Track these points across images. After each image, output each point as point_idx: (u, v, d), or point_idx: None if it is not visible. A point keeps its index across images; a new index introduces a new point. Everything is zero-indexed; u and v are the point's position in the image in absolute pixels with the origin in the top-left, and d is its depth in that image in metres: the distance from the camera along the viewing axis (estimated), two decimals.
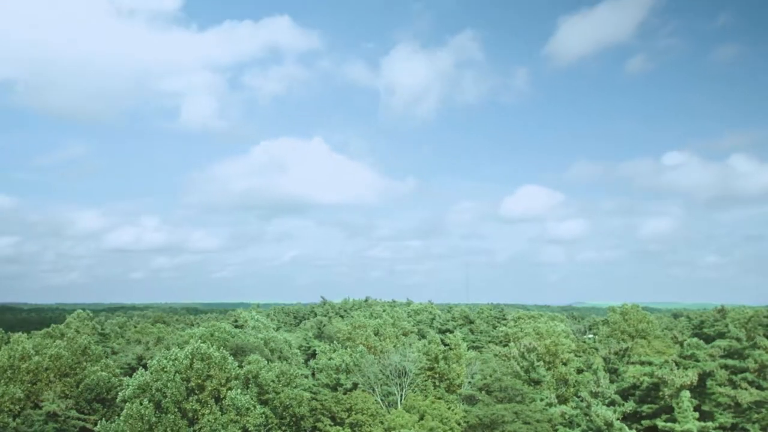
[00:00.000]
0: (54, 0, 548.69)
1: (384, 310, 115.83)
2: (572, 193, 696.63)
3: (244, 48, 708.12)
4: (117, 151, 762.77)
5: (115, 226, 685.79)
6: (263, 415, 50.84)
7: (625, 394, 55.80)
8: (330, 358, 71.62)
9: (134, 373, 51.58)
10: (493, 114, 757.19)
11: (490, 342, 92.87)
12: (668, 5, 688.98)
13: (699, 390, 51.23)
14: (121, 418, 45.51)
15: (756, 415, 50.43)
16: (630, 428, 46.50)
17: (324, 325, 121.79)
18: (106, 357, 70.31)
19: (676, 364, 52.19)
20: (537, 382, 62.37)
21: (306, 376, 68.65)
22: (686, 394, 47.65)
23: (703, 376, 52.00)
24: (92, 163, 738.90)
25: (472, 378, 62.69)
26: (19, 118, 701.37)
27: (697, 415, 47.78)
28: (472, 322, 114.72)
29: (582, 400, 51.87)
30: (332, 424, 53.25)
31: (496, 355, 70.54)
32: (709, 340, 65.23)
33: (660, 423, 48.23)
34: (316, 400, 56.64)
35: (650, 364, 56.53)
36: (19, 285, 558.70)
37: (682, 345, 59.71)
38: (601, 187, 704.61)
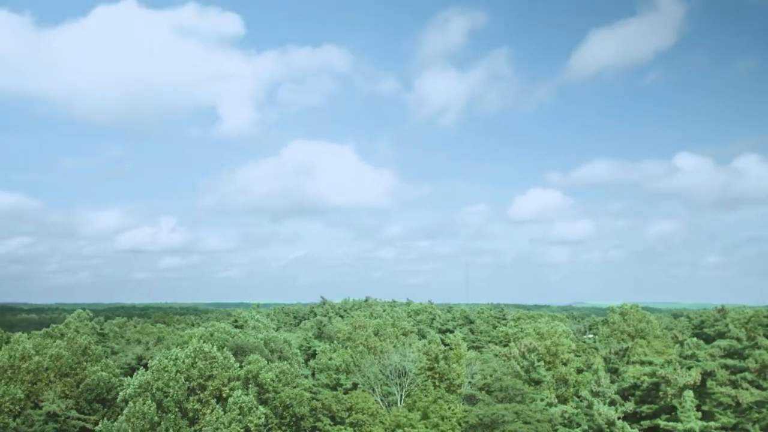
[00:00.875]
0: (120, 21, 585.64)
1: (384, 310, 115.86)
2: (581, 195, 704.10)
3: (293, 68, 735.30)
4: (150, 157, 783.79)
5: (130, 227, 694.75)
6: (264, 415, 50.85)
7: (625, 394, 55.79)
8: (330, 358, 71.64)
9: (135, 373, 51.55)
10: (509, 120, 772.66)
11: (490, 342, 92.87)
12: (690, 20, 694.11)
13: (700, 390, 51.24)
14: (123, 417, 45.49)
15: (756, 415, 50.46)
16: (631, 428, 46.50)
17: (324, 325, 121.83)
18: (106, 357, 70.24)
19: (678, 363, 52.21)
20: (537, 382, 62.35)
21: (306, 376, 68.63)
22: (689, 393, 47.68)
23: (704, 376, 52.02)
24: (122, 167, 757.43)
25: (473, 378, 62.68)
26: (64, 126, 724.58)
27: (700, 414, 47.81)
28: (472, 322, 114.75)
29: (583, 400, 51.85)
30: (332, 423, 53.24)
31: (496, 355, 70.53)
32: (709, 340, 65.23)
33: (662, 423, 48.24)
34: (316, 399, 56.62)
35: (651, 364, 56.55)
36: (24, 285, 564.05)
37: (682, 345, 59.69)
38: (610, 189, 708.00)
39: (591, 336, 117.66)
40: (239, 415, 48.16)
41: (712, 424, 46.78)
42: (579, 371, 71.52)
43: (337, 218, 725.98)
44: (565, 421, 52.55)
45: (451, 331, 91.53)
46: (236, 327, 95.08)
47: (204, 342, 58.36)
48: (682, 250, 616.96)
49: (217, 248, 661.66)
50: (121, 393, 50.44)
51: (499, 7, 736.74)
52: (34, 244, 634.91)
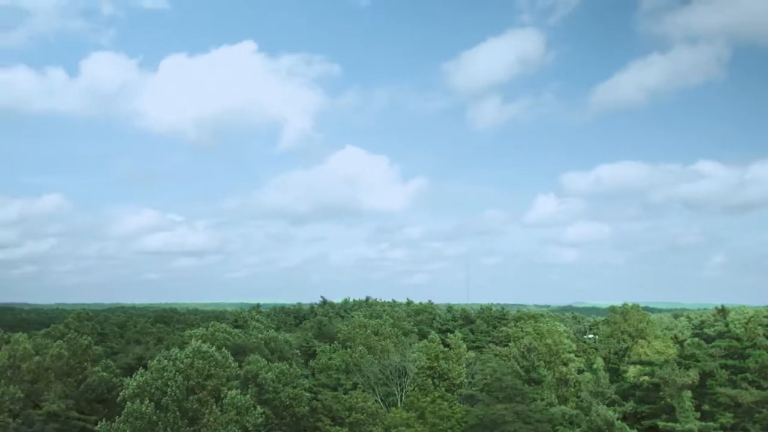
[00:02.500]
0: (237, 60, 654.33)
1: (384, 310, 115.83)
2: (590, 199, 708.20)
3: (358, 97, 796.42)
4: (203, 165, 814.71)
5: (156, 229, 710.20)
6: (263, 415, 50.84)
7: (625, 394, 55.81)
8: (330, 358, 71.61)
9: (135, 373, 51.54)
10: (541, 129, 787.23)
11: (490, 342, 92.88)
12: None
13: (699, 390, 51.24)
14: (122, 416, 45.51)
15: (757, 415, 50.44)
16: (630, 428, 46.48)
17: (324, 325, 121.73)
18: (107, 357, 70.23)
19: (677, 363, 52.21)
20: (537, 382, 62.36)
21: (306, 376, 68.60)
22: (687, 394, 47.69)
23: (704, 376, 52.01)
24: (173, 174, 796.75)
25: (473, 378, 62.70)
26: (149, 138, 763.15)
27: (698, 415, 47.81)
28: (472, 322, 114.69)
29: (582, 400, 51.86)
30: (332, 423, 53.29)
31: (496, 355, 70.56)
32: (709, 340, 65.25)
33: (661, 423, 48.23)
34: (317, 399, 56.68)
35: (650, 364, 56.56)
36: (32, 285, 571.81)
37: (682, 345, 59.72)
38: (621, 194, 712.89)
39: (591, 336, 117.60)
40: (237, 415, 48.15)
41: (711, 424, 46.79)
42: (579, 371, 71.60)
43: (359, 221, 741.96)
44: (565, 422, 52.56)
45: (452, 331, 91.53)
46: (236, 327, 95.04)
47: (204, 342, 58.37)
48: (683, 251, 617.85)
49: (225, 250, 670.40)
50: (121, 393, 50.46)
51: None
52: (58, 245, 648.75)
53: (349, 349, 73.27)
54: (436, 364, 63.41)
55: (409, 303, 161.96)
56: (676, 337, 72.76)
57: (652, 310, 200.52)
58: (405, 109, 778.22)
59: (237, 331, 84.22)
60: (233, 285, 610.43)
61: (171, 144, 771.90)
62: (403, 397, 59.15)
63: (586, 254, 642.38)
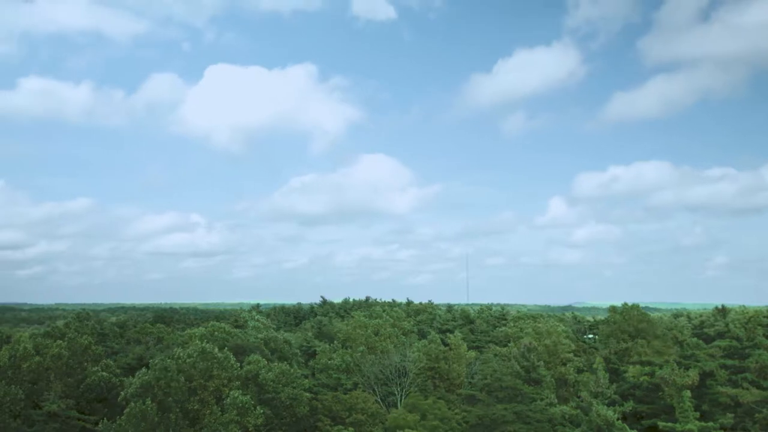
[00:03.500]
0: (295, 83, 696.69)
1: (384, 310, 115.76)
2: (602, 201, 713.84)
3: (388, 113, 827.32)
4: (232, 170, 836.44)
5: (173, 231, 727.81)
6: (263, 415, 50.87)
7: (625, 394, 55.84)
8: (330, 358, 71.63)
9: (136, 373, 51.57)
10: (559, 136, 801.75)
11: (490, 342, 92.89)
12: None
13: (699, 390, 51.28)
14: (124, 416, 45.53)
15: (757, 415, 50.48)
16: (630, 428, 46.53)
17: (324, 325, 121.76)
18: (107, 357, 70.25)
19: (677, 363, 52.25)
20: (537, 382, 62.33)
21: (306, 376, 68.62)
22: (687, 394, 47.71)
23: (704, 376, 52.06)
24: (201, 178, 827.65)
25: (473, 378, 62.72)
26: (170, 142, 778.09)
27: (698, 414, 47.84)
28: (472, 322, 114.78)
29: (582, 400, 51.89)
30: (332, 423, 53.31)
31: (496, 355, 70.51)
32: (709, 340, 65.33)
33: (660, 423, 48.27)
34: (317, 400, 56.68)
35: (650, 364, 56.63)
36: (36, 285, 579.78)
37: (682, 345, 59.77)
38: (630, 197, 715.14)
39: (591, 336, 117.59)
40: (237, 415, 48.18)
41: (711, 424, 46.81)
42: (579, 371, 71.54)
43: (372, 223, 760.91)
44: (565, 422, 52.59)
45: (452, 331, 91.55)
46: (236, 327, 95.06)
47: (204, 342, 58.39)
48: (685, 252, 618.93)
49: (240, 251, 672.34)
50: (122, 393, 50.49)
51: None
52: (71, 246, 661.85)
53: (349, 349, 73.30)
54: (436, 365, 63.42)
55: (409, 303, 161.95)
56: (675, 337, 72.79)
57: (652, 310, 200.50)
58: (432, 119, 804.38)
59: (237, 330, 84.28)
60: (237, 285, 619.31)
61: (204, 150, 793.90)
62: (404, 397, 59.16)
63: (587, 255, 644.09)
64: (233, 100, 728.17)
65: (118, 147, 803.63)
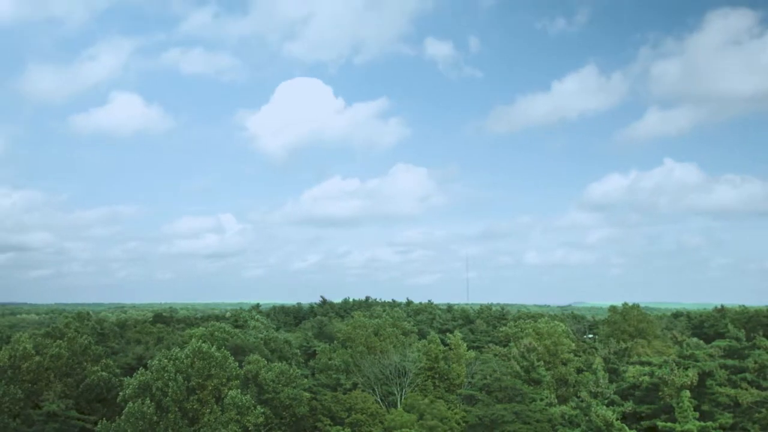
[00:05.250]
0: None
1: (384, 310, 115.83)
2: (609, 207, 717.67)
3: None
4: (274, 177, 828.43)
5: (197, 234, 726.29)
6: (263, 415, 50.90)
7: (624, 394, 55.80)
8: (330, 358, 71.67)
9: (135, 373, 51.60)
10: (584, 144, 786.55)
11: (490, 342, 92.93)
12: None
13: (699, 390, 51.25)
14: (122, 417, 45.56)
15: (756, 415, 50.47)
16: (630, 428, 46.50)
17: (324, 325, 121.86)
18: (106, 357, 70.26)
19: (676, 364, 52.22)
20: (537, 382, 62.39)
21: (306, 376, 68.68)
22: (686, 393, 47.67)
23: (703, 376, 52.03)
24: (245, 184, 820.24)
25: (472, 378, 62.75)
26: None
27: (697, 414, 47.80)
28: (472, 322, 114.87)
29: (582, 401, 51.87)
30: (332, 423, 53.36)
31: (496, 355, 70.53)
32: (708, 340, 65.35)
33: (660, 423, 48.24)
34: (316, 400, 56.74)
35: (650, 364, 56.55)
36: (42, 285, 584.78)
37: (681, 345, 59.74)
38: (638, 200, 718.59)
39: (591, 336, 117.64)
40: (237, 415, 48.21)
41: (710, 424, 46.79)
42: (579, 371, 71.55)
43: (389, 225, 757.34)
44: (565, 422, 52.58)
45: (451, 331, 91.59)
46: (236, 327, 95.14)
47: (203, 342, 58.43)
48: (685, 252, 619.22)
49: (252, 252, 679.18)
50: (121, 393, 50.51)
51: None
52: (91, 248, 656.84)
53: (349, 349, 73.33)
54: (436, 365, 63.44)
55: (408, 303, 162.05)
56: (675, 337, 72.74)
57: (652, 310, 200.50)
58: (468, 135, 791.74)
59: (237, 330, 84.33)
60: (246, 285, 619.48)
61: (251, 155, 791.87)
62: (403, 397, 59.19)
63: (588, 255, 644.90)
64: (292, 109, 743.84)
65: (164, 152, 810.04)
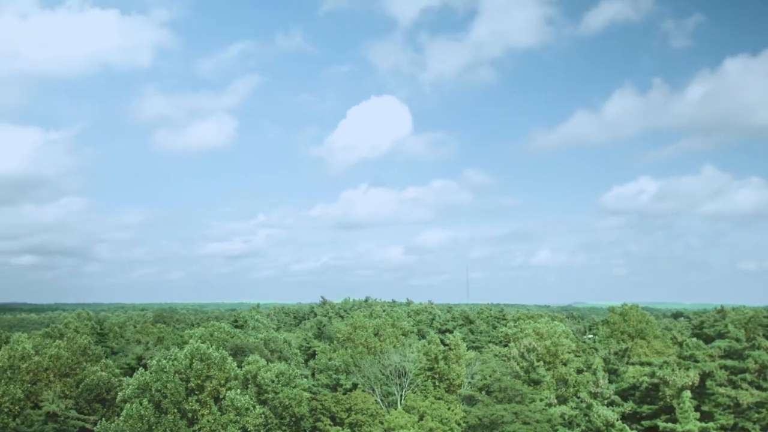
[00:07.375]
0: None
1: (384, 311, 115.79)
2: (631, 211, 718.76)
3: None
4: (311, 186, 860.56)
5: (228, 236, 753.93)
6: (263, 415, 50.81)
7: (624, 395, 55.78)
8: (330, 359, 71.60)
9: (134, 373, 51.54)
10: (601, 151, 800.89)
11: (490, 342, 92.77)
12: None
13: (699, 390, 51.24)
14: (121, 418, 45.48)
15: (756, 416, 50.47)
16: (630, 429, 46.51)
17: (324, 325, 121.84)
18: (106, 357, 70.24)
19: (677, 364, 52.22)
20: (537, 383, 62.34)
21: (306, 376, 68.62)
22: (687, 394, 47.69)
23: (703, 377, 52.02)
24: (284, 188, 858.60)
25: (472, 378, 62.69)
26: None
27: (697, 415, 47.81)
28: (472, 322, 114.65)
29: (582, 401, 51.83)
30: (332, 424, 53.28)
31: (496, 356, 70.44)
32: (708, 340, 65.26)
33: (661, 423, 48.24)
34: (316, 400, 56.63)
35: (650, 364, 56.55)
36: (52, 285, 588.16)
37: (681, 345, 59.73)
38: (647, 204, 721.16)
39: (591, 336, 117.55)
40: (236, 415, 48.14)
41: (710, 424, 46.79)
42: (579, 371, 71.45)
43: (404, 228, 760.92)
44: (565, 422, 52.55)
45: (451, 332, 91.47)
46: (236, 327, 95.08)
47: (203, 342, 58.35)
48: (685, 252, 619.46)
49: (267, 254, 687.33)
50: (120, 393, 50.45)
51: None
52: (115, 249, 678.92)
53: (349, 350, 73.26)
54: (435, 365, 63.34)
55: (408, 303, 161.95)
56: (675, 337, 72.74)
57: (652, 311, 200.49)
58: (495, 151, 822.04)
59: (237, 331, 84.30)
60: (251, 286, 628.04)
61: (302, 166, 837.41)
62: (403, 398, 59.13)
63: (589, 255, 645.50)
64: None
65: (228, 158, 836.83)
